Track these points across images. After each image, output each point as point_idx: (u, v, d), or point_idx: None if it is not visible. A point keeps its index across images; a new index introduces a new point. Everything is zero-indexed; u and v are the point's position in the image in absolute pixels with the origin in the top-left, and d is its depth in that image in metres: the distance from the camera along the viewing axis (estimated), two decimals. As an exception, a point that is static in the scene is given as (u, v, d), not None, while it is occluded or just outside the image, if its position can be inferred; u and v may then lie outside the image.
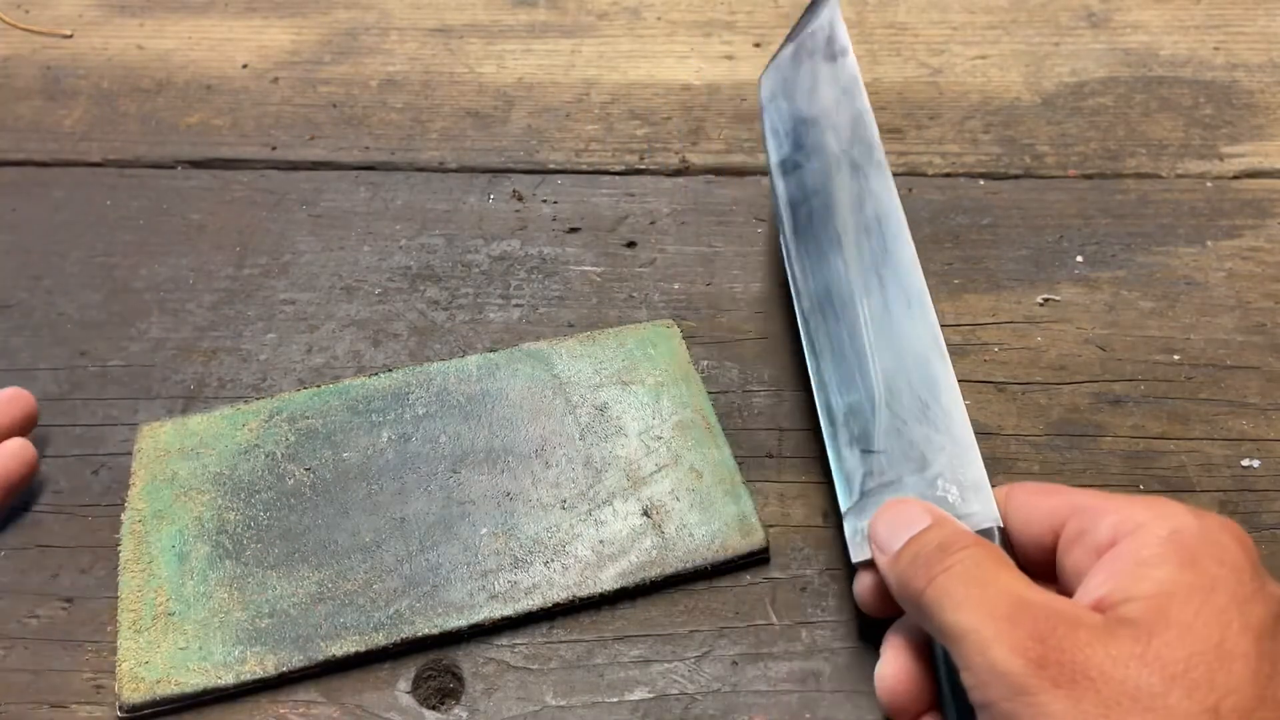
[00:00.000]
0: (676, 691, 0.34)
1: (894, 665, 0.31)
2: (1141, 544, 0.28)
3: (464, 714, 0.34)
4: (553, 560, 0.37)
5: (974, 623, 0.27)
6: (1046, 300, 0.46)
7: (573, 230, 0.49)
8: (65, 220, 0.50)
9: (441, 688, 0.35)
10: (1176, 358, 0.43)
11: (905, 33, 0.60)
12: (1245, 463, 0.40)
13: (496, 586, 0.36)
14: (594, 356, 0.42)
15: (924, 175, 0.52)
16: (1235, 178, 0.51)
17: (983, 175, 0.52)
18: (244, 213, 0.51)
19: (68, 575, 0.37)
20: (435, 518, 0.38)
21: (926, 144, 0.53)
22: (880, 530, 0.32)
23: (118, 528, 0.38)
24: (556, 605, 0.36)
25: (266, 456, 0.39)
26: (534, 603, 0.36)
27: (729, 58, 0.59)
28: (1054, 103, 0.56)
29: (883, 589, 0.32)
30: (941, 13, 0.62)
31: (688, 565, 0.36)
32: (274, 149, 0.54)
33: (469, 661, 0.35)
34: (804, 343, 0.38)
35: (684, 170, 0.53)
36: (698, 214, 0.50)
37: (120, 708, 0.33)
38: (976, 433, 0.34)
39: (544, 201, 0.51)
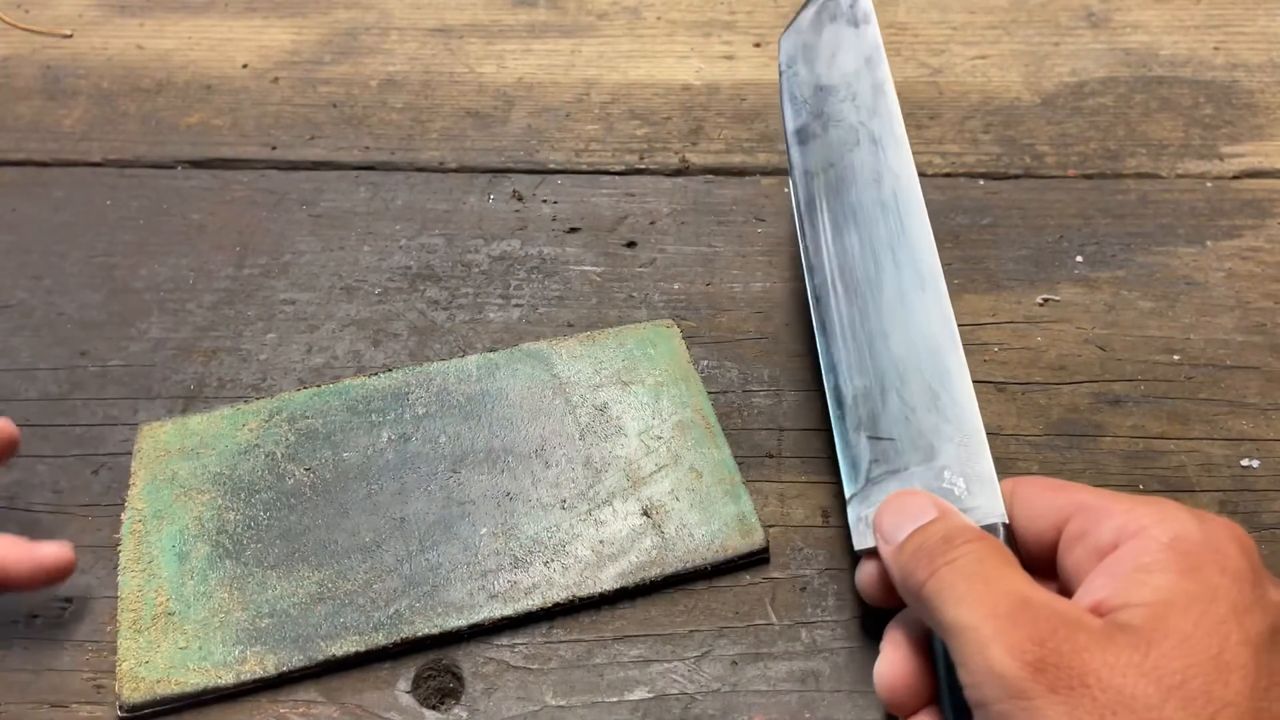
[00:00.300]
0: (676, 691, 0.34)
1: (894, 659, 0.31)
2: (1143, 549, 0.28)
3: (464, 714, 0.34)
4: (552, 560, 0.37)
5: (973, 620, 0.27)
6: (1046, 300, 0.46)
7: (573, 230, 0.49)
8: (65, 220, 0.50)
9: (441, 688, 0.35)
10: (1176, 358, 0.43)
11: (905, 33, 0.60)
12: (1245, 463, 0.40)
13: (496, 586, 0.36)
14: (594, 356, 0.42)
15: (924, 175, 0.52)
16: (1235, 178, 0.51)
17: (983, 175, 0.52)
18: (244, 213, 0.51)
19: (68, 575, 0.37)
20: (435, 518, 0.38)
21: (926, 144, 0.53)
22: (885, 520, 0.32)
23: (118, 528, 0.38)
24: (556, 605, 0.36)
25: (266, 456, 0.39)
26: (534, 603, 0.36)
27: (729, 58, 0.59)
28: (1054, 103, 0.56)
29: (885, 579, 0.32)
30: (941, 13, 0.62)
31: (688, 565, 0.36)
32: (274, 149, 0.54)
33: (469, 661, 0.35)
34: (814, 321, 0.38)
35: (684, 170, 0.53)
36: (697, 214, 0.50)
37: (120, 707, 0.33)
38: (976, 433, 0.34)
39: (544, 201, 0.51)
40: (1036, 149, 0.53)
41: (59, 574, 0.35)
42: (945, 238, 0.48)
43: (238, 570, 0.36)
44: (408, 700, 0.34)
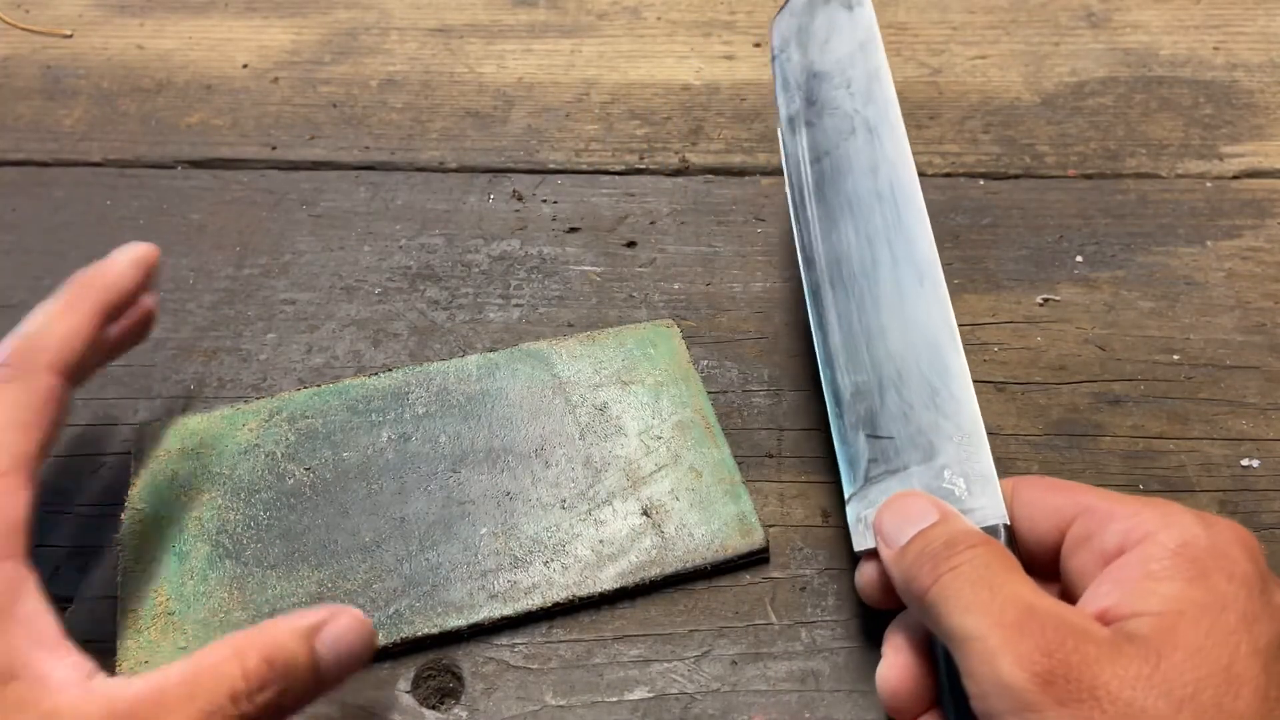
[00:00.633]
0: (676, 691, 0.34)
1: (896, 663, 0.31)
2: (1150, 555, 0.27)
3: (464, 714, 0.34)
4: (552, 560, 0.37)
5: (980, 629, 0.26)
6: (1046, 300, 0.46)
7: (573, 230, 0.50)
8: (65, 220, 0.50)
9: (441, 687, 0.35)
10: (1176, 358, 0.43)
11: (905, 33, 0.60)
12: (1245, 463, 0.40)
13: (496, 586, 0.36)
14: (594, 356, 0.43)
15: (924, 175, 0.52)
16: (1235, 178, 0.51)
17: (982, 175, 0.52)
18: (244, 213, 0.51)
19: (68, 575, 0.37)
20: (435, 517, 0.38)
21: (926, 144, 0.53)
22: (886, 522, 0.31)
23: (118, 528, 0.38)
24: (556, 605, 0.36)
25: (266, 456, 0.39)
26: (534, 602, 0.36)
27: (729, 58, 0.59)
28: (1054, 103, 0.56)
29: (885, 581, 0.31)
30: (941, 13, 0.62)
31: (687, 565, 0.36)
32: (274, 149, 0.54)
33: (469, 661, 0.35)
34: (810, 316, 0.37)
35: (684, 170, 0.53)
36: (697, 214, 0.50)
37: None
38: (976, 432, 0.34)
39: (544, 201, 0.51)
40: (1036, 149, 0.53)
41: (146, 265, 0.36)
42: (945, 238, 0.48)
43: (238, 570, 0.36)
44: (408, 700, 0.34)
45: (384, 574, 0.36)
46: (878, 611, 0.36)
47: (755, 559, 0.37)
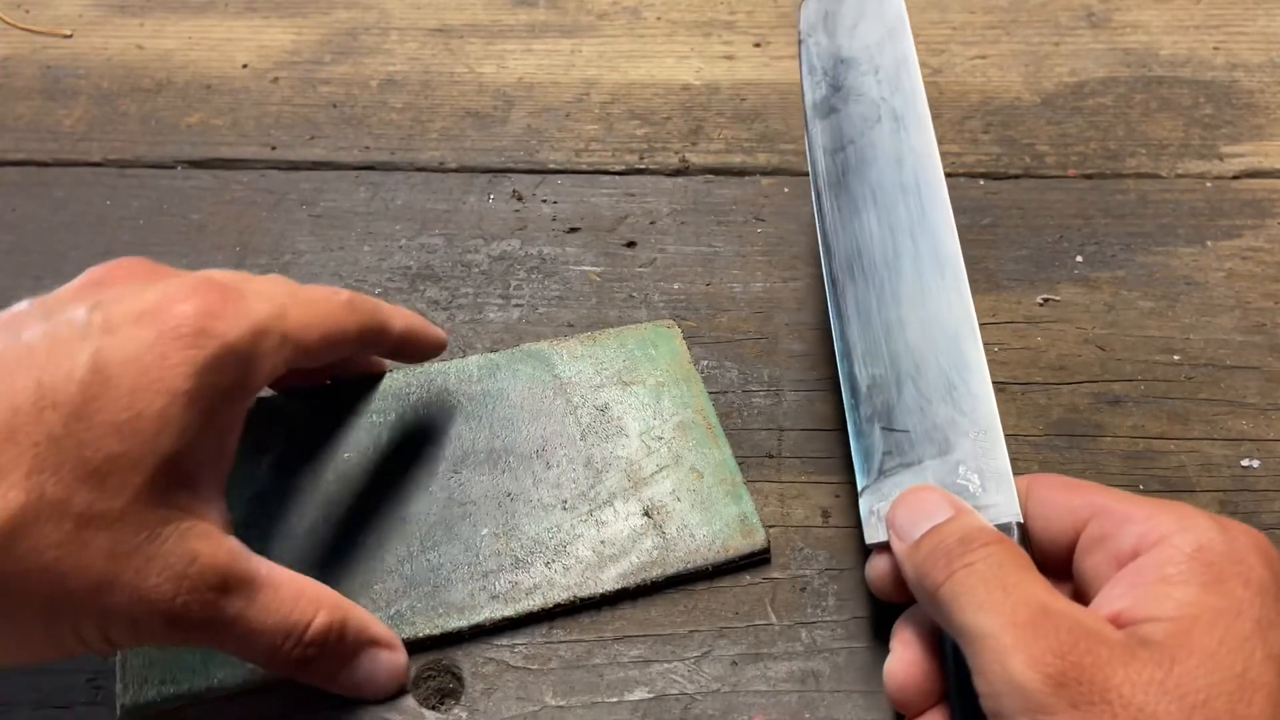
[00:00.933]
0: (676, 691, 0.34)
1: (904, 658, 0.31)
2: (1166, 559, 0.27)
3: (464, 714, 0.34)
4: (554, 561, 0.37)
5: (993, 627, 0.26)
6: (1046, 300, 0.46)
7: (573, 230, 0.49)
8: (65, 220, 0.50)
9: (441, 688, 0.35)
10: (1176, 358, 0.43)
11: (905, 33, 0.60)
12: (1245, 463, 0.40)
13: (497, 587, 0.36)
14: (595, 357, 0.42)
15: (924, 175, 0.52)
16: (1235, 178, 0.51)
17: (983, 175, 0.52)
18: (244, 213, 0.51)
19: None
20: (436, 518, 0.38)
21: (926, 144, 0.53)
22: (899, 516, 0.31)
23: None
24: (558, 606, 0.36)
25: (266, 457, 0.39)
26: (535, 603, 0.36)
27: (729, 58, 0.59)
28: (1054, 103, 0.56)
29: (897, 575, 0.31)
30: (941, 13, 0.62)
31: (689, 566, 0.36)
32: (274, 149, 0.54)
33: (469, 661, 0.35)
34: (829, 305, 0.37)
35: (684, 170, 0.53)
36: (697, 214, 0.50)
37: (120, 709, 0.33)
38: (976, 433, 0.34)
39: (544, 201, 0.51)
40: (1036, 149, 0.53)
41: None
42: (945, 238, 0.48)
43: None
44: (408, 700, 0.34)
45: (385, 575, 0.36)
46: (878, 612, 0.36)
47: (756, 559, 0.37)
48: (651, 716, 0.34)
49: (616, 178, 0.52)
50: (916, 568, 0.29)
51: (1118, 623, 0.26)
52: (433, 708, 0.34)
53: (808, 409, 0.42)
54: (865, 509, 0.33)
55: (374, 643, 0.33)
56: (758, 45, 0.60)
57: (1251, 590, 0.26)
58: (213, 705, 0.34)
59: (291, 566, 0.36)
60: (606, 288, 0.47)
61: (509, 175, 0.52)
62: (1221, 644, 0.25)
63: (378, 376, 0.42)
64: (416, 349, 0.38)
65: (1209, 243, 0.48)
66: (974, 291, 0.46)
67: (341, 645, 0.32)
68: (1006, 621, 0.26)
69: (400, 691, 0.34)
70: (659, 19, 0.62)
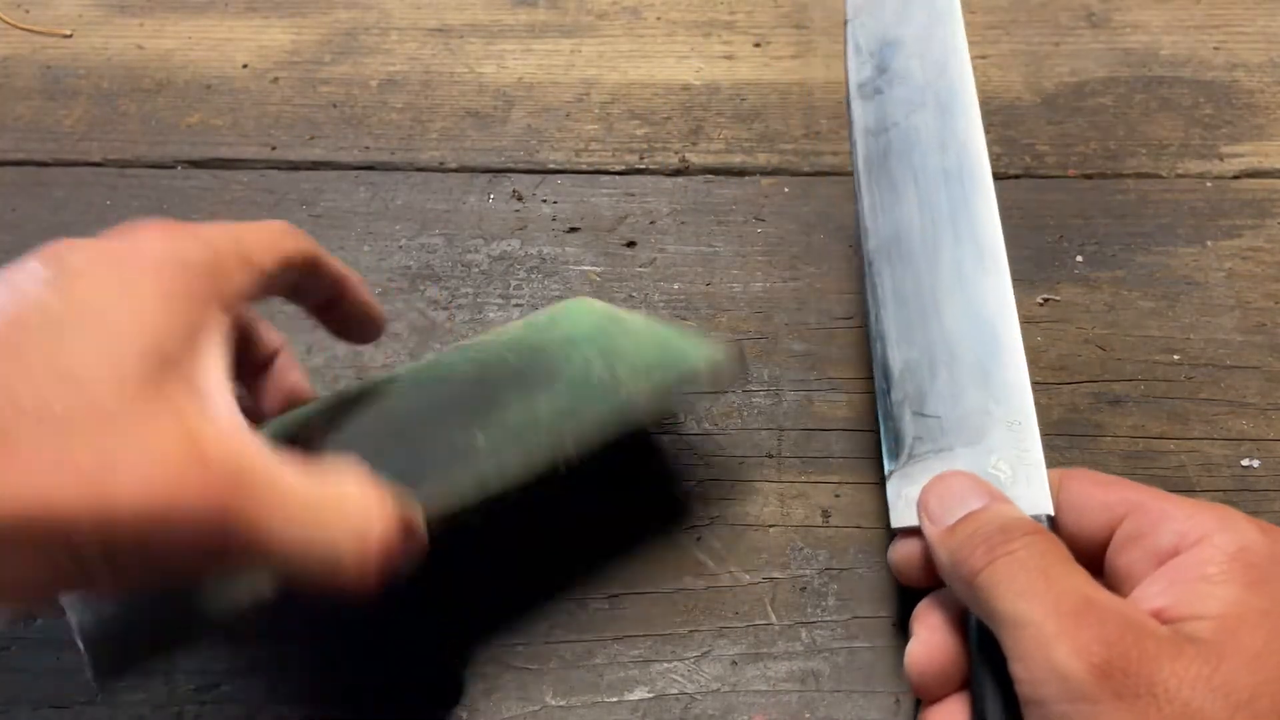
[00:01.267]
0: (676, 691, 0.34)
1: (929, 642, 0.30)
2: (1207, 559, 0.27)
3: (464, 714, 0.34)
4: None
5: (1036, 615, 0.26)
6: (1046, 300, 0.46)
7: (572, 230, 0.49)
8: (65, 220, 0.50)
9: (441, 688, 0.35)
10: (1176, 358, 0.43)
11: (905, 33, 0.60)
12: (1245, 463, 0.40)
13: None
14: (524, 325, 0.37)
15: (924, 175, 0.52)
16: (1235, 178, 0.51)
17: (983, 175, 0.52)
18: (244, 213, 0.51)
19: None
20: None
21: (926, 144, 0.53)
22: (933, 500, 0.31)
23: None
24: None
25: None
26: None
27: (729, 58, 0.59)
28: (1054, 103, 0.56)
29: (923, 560, 0.31)
30: (941, 13, 0.61)
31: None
32: (274, 149, 0.54)
33: (469, 661, 0.35)
34: (866, 287, 0.37)
35: (684, 170, 0.53)
36: (697, 214, 0.50)
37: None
38: (976, 433, 0.34)
39: (544, 201, 0.51)
40: (1036, 149, 0.53)
41: None
42: (945, 238, 0.48)
43: None
44: (408, 700, 0.34)
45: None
46: (878, 612, 0.36)
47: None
48: (651, 716, 0.34)
49: (616, 178, 0.52)
50: (952, 553, 0.29)
51: (1159, 619, 0.26)
52: (432, 707, 0.34)
53: (808, 409, 0.42)
54: (892, 492, 0.33)
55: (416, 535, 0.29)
56: (758, 45, 0.60)
57: None
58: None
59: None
60: (606, 288, 0.47)
61: (509, 175, 0.52)
62: (1267, 644, 0.25)
63: None
64: (356, 298, 0.34)
65: (1209, 243, 0.48)
66: (974, 291, 0.46)
67: (394, 555, 0.28)
68: (1050, 610, 0.26)
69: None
70: (659, 19, 0.62)
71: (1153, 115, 0.55)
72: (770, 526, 0.38)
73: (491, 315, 0.46)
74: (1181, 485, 0.39)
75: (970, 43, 0.60)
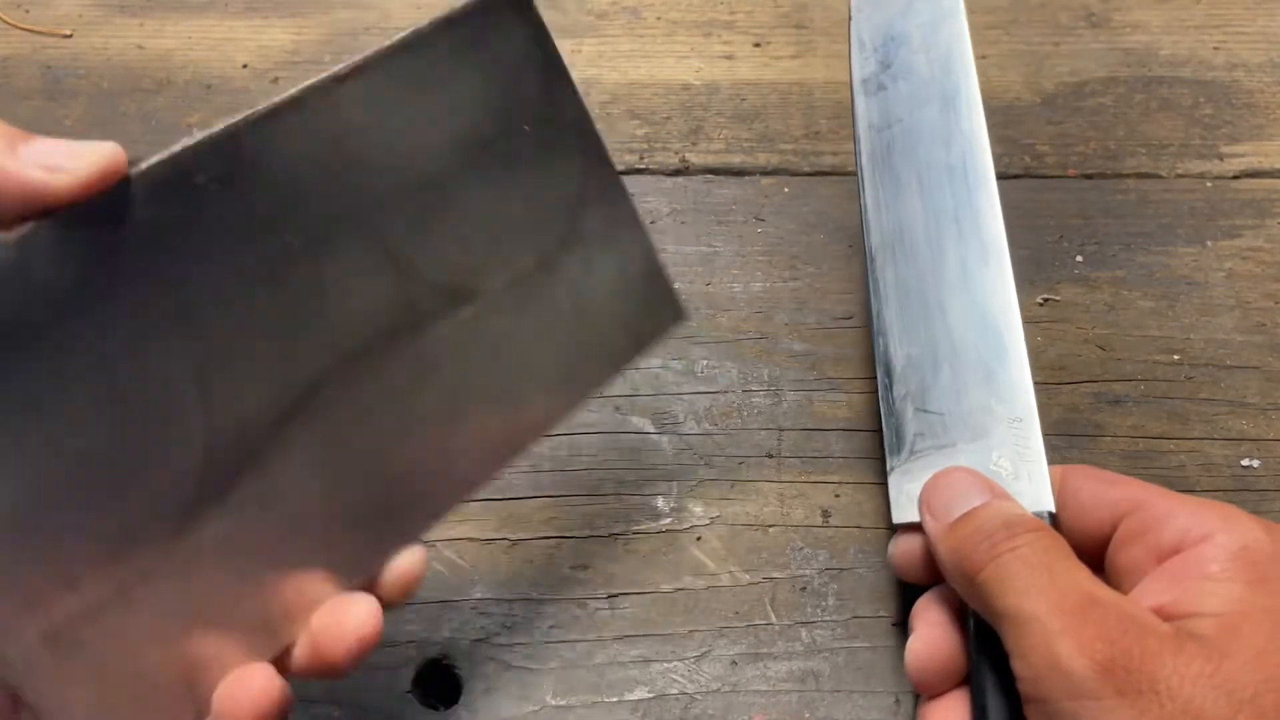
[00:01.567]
0: (676, 691, 0.34)
1: (929, 638, 0.30)
2: (1210, 556, 0.27)
3: (464, 714, 0.34)
4: None
5: (1039, 612, 0.26)
6: (1046, 300, 0.46)
7: (573, 230, 0.49)
8: (65, 220, 0.50)
9: (441, 688, 0.35)
10: (1176, 358, 0.44)
11: (905, 33, 0.60)
12: (1245, 463, 0.40)
13: None
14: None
15: (924, 175, 0.52)
16: (1235, 178, 0.51)
17: (983, 175, 0.52)
18: (244, 213, 0.51)
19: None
20: None
21: (926, 144, 0.53)
22: (935, 497, 0.31)
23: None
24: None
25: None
26: None
27: (729, 58, 0.59)
28: (1054, 103, 0.56)
29: (924, 556, 0.31)
30: (941, 13, 0.61)
31: None
32: (274, 149, 0.54)
33: (468, 661, 0.35)
34: (869, 283, 0.37)
35: (684, 170, 0.53)
36: (697, 214, 0.50)
37: None
38: (976, 433, 0.34)
39: (544, 201, 0.51)
40: (1036, 149, 0.53)
41: None
42: (945, 238, 0.48)
43: None
44: (408, 700, 0.34)
45: None
46: (878, 612, 0.36)
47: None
48: (651, 716, 0.34)
49: (616, 178, 0.52)
50: (954, 550, 0.29)
51: (1161, 616, 0.26)
52: (433, 708, 0.34)
53: (808, 409, 0.42)
54: (894, 488, 0.33)
55: None
56: (758, 45, 0.60)
57: None
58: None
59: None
60: (606, 288, 0.47)
61: (509, 175, 0.52)
62: (1269, 642, 0.25)
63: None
64: None
65: (1209, 243, 0.48)
66: (974, 291, 0.46)
67: None
68: (1053, 607, 0.26)
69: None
70: (659, 19, 0.62)
71: (1153, 115, 0.55)
72: (770, 526, 0.38)
73: (491, 315, 0.46)
74: (1181, 485, 0.39)
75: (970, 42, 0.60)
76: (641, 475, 0.40)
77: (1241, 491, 0.39)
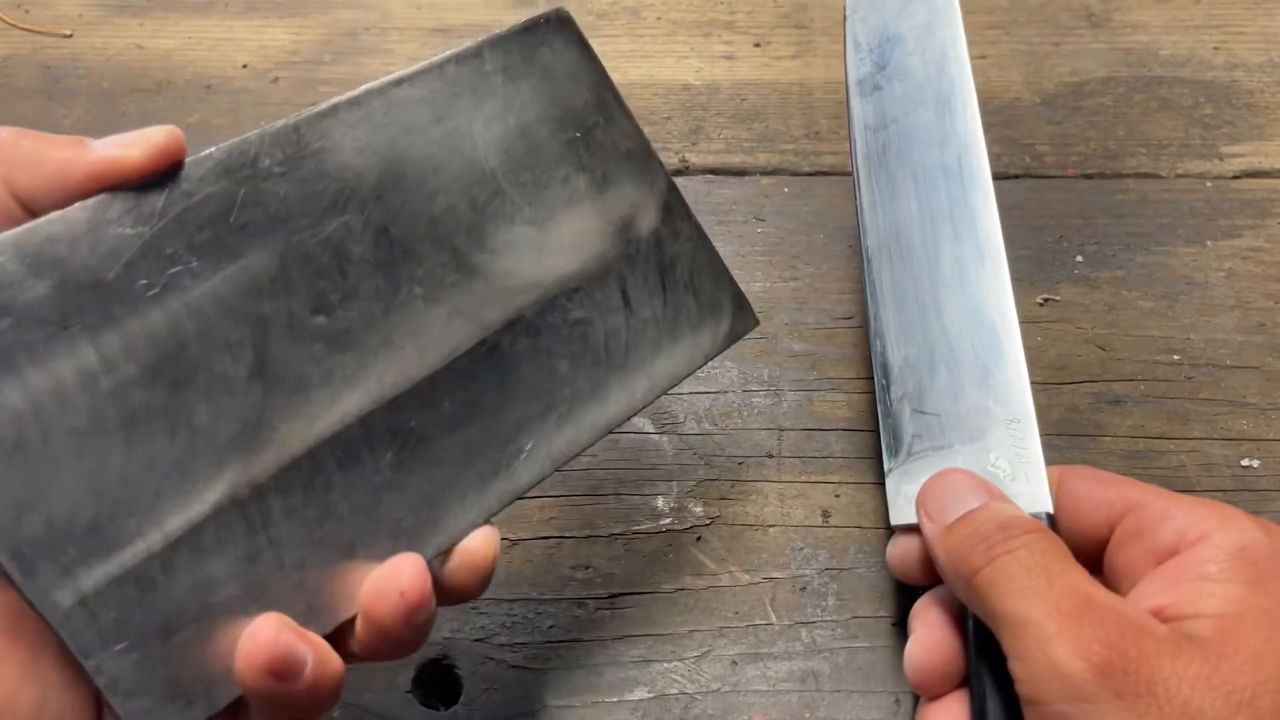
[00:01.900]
0: (676, 691, 0.34)
1: (928, 641, 0.30)
2: (1207, 557, 0.27)
3: (464, 714, 0.34)
4: None
5: (1036, 614, 0.26)
6: (1046, 300, 0.46)
7: (573, 230, 0.49)
8: (65, 220, 0.50)
9: (441, 688, 0.35)
10: (1176, 358, 0.43)
11: (905, 33, 0.60)
12: (1245, 463, 0.40)
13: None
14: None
15: (924, 175, 0.52)
16: (1235, 178, 0.51)
17: (983, 175, 0.52)
18: (244, 213, 0.51)
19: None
20: None
21: (926, 144, 0.53)
22: (931, 499, 0.31)
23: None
24: None
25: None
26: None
27: (729, 58, 0.59)
28: (1054, 103, 0.56)
29: (921, 557, 0.31)
30: (941, 13, 0.61)
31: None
32: (274, 149, 0.54)
33: (469, 661, 0.35)
34: (865, 285, 0.37)
35: (684, 170, 0.53)
36: (698, 214, 0.50)
37: None
38: (976, 433, 0.34)
39: (544, 201, 0.51)
40: (1036, 149, 0.53)
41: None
42: (945, 238, 0.48)
43: None
44: (408, 700, 0.34)
45: None
46: (878, 612, 0.36)
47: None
48: (651, 716, 0.34)
49: (616, 178, 0.52)
50: (951, 552, 0.29)
51: (1159, 618, 0.26)
52: (433, 708, 0.34)
53: (808, 409, 0.42)
54: (892, 490, 0.33)
55: None
56: (758, 45, 0.60)
57: None
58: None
59: None
60: (606, 288, 0.47)
61: (509, 175, 0.52)
62: (1268, 643, 0.25)
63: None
64: None
65: (1209, 243, 0.48)
66: (974, 291, 0.46)
67: None
68: (1051, 609, 0.26)
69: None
70: (659, 19, 0.62)
71: (1152, 115, 0.55)
72: (770, 526, 0.38)
73: (491, 315, 0.46)
74: (1181, 485, 0.39)
75: (970, 43, 0.60)
76: (641, 475, 0.40)
77: (1241, 491, 0.39)
